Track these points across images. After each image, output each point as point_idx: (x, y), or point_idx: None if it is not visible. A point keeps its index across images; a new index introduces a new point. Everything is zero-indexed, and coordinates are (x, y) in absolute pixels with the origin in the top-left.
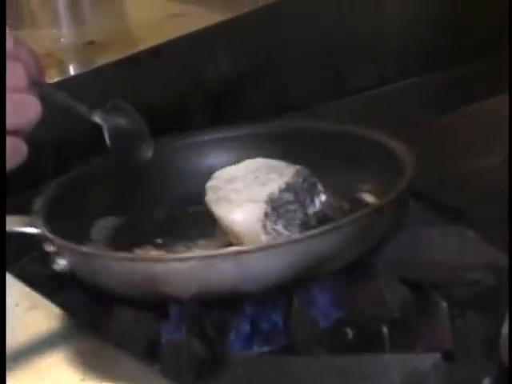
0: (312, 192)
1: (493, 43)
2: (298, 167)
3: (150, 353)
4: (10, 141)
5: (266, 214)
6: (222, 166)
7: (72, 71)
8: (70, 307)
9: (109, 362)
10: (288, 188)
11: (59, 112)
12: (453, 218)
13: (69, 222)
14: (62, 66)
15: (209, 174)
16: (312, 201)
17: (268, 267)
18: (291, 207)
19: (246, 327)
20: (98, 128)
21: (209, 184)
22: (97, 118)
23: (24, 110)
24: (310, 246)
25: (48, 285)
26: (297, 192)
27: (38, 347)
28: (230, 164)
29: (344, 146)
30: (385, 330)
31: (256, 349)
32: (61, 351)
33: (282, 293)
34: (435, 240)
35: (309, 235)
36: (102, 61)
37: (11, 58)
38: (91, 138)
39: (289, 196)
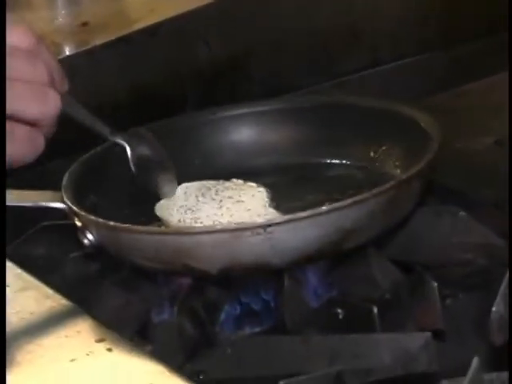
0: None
1: (488, 24)
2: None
3: (142, 334)
4: (28, 131)
5: None
6: (246, 142)
7: (67, 52)
8: (62, 288)
9: (100, 344)
10: None
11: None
12: (445, 198)
13: (95, 198)
14: (56, 48)
15: (233, 149)
16: None
17: (296, 239)
18: None
19: (237, 308)
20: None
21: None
22: (120, 140)
23: (44, 100)
24: (337, 217)
25: (39, 266)
26: None
27: (29, 328)
28: (253, 139)
29: (369, 119)
30: (375, 310)
31: (247, 329)
32: (51, 332)
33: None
34: (427, 220)
35: (337, 206)
36: (96, 42)
37: (32, 54)
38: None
39: None
